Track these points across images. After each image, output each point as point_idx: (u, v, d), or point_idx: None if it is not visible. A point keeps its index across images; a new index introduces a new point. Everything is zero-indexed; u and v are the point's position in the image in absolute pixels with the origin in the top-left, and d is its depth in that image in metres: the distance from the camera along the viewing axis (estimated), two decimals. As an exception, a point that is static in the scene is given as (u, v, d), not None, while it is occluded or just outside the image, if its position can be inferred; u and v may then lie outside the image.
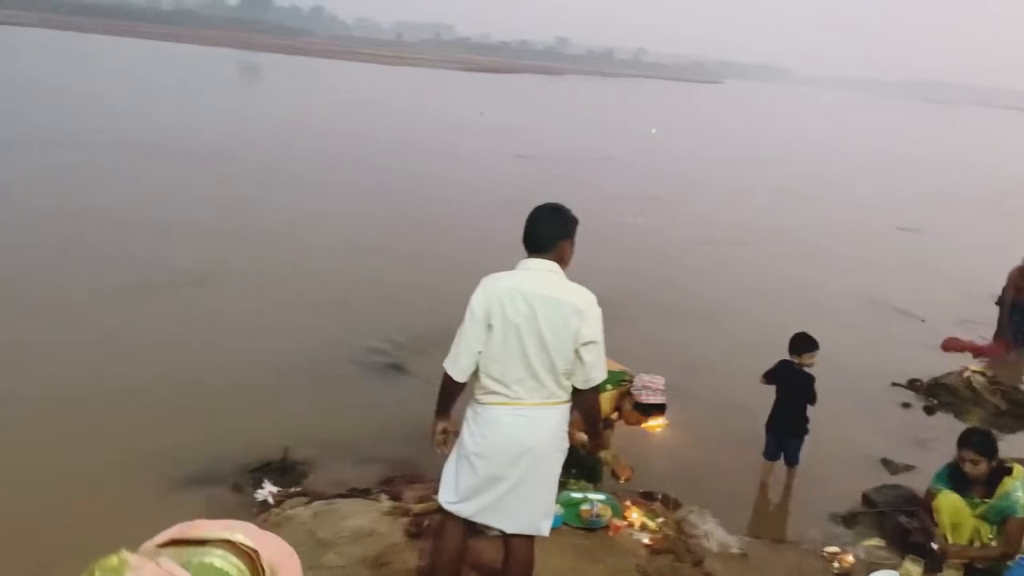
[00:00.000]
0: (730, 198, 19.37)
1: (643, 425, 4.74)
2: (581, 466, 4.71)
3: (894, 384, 7.70)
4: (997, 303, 9.16)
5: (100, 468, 4.97)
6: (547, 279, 3.13)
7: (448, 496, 3.29)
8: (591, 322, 3.11)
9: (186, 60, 56.55)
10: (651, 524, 4.48)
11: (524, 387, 3.11)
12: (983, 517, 4.23)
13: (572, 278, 3.27)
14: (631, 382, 4.54)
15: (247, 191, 14.27)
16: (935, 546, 4.24)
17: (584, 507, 4.37)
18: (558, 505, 4.30)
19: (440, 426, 3.34)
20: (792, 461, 5.54)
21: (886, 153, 38.81)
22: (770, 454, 5.59)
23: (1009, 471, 4.21)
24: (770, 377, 5.50)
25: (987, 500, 4.20)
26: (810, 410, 5.45)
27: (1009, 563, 3.99)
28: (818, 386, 5.41)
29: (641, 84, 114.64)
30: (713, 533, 4.65)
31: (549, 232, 3.20)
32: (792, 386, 5.40)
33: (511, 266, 3.26)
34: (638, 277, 11.04)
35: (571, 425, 3.54)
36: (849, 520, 5.13)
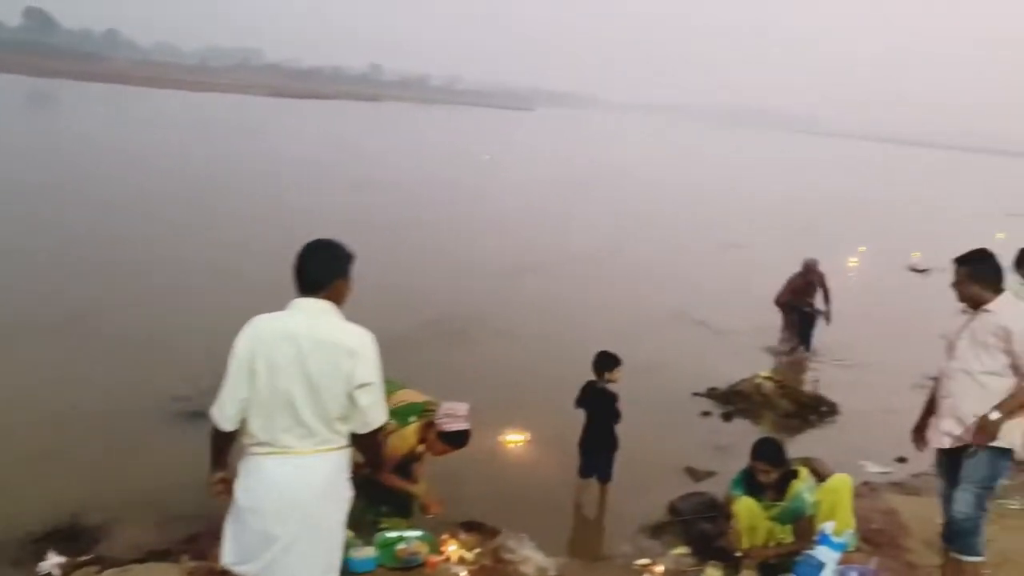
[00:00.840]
0: (559, 221, 20.11)
1: (503, 441, 4.68)
2: (393, 503, 4.64)
3: (695, 394, 8.16)
4: (782, 307, 9.99)
5: None
6: (318, 320, 2.97)
7: (229, 557, 3.05)
8: (366, 363, 2.96)
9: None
10: (468, 556, 4.47)
11: (293, 435, 2.92)
12: (776, 518, 4.55)
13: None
14: (434, 412, 4.53)
15: (48, 229, 13.25)
16: (733, 547, 4.50)
17: (400, 546, 4.31)
18: (372, 547, 4.21)
19: (216, 476, 3.10)
20: (604, 477, 5.72)
21: (697, 175, 41.52)
22: (584, 472, 5.75)
23: (796, 474, 4.55)
24: (581, 402, 5.67)
25: (778, 503, 4.52)
26: (618, 425, 5.65)
27: (797, 558, 4.29)
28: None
29: (458, 110, 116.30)
30: (531, 558, 4.69)
31: (322, 271, 3.03)
32: (599, 405, 5.60)
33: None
34: (471, 300, 11.19)
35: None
36: (658, 531, 5.33)
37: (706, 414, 7.79)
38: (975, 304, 4.08)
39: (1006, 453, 3.99)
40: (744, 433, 7.24)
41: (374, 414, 3.02)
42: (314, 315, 2.97)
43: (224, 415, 2.95)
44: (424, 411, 4.57)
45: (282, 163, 26.55)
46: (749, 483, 4.56)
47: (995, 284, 4.07)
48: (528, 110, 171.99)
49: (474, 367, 8.49)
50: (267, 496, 2.94)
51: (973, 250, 4.18)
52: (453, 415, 4.50)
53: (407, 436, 4.51)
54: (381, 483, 4.51)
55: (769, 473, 4.44)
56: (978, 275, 4.07)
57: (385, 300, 10.49)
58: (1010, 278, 5.11)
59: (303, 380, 2.89)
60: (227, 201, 18.15)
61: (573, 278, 13.60)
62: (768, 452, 4.47)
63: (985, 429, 3.91)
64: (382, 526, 4.54)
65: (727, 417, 7.75)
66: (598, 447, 5.68)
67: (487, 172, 31.14)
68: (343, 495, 3.09)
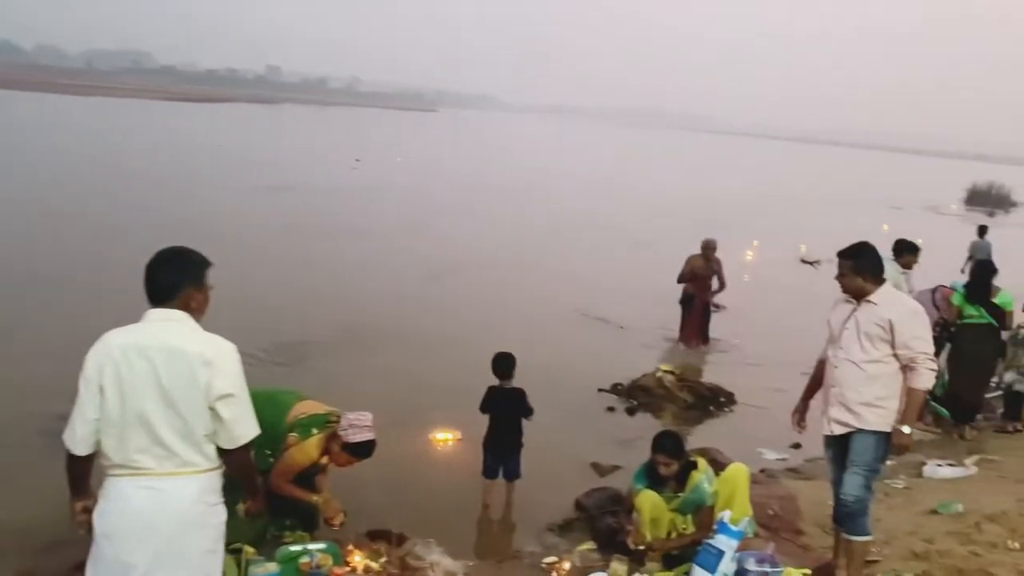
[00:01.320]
0: (467, 223, 20.13)
1: (409, 446, 4.55)
2: (297, 515, 4.53)
3: (600, 390, 8.28)
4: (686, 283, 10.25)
5: None
6: (170, 329, 2.82)
7: None
8: (225, 374, 2.80)
9: None
10: (375, 565, 4.39)
11: (150, 456, 2.75)
12: (677, 509, 4.65)
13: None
14: (337, 423, 4.44)
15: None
16: (632, 544, 4.57)
17: (303, 559, 4.19)
18: (274, 563, 4.10)
19: (79, 505, 2.90)
20: (513, 475, 5.74)
21: (602, 175, 42.10)
22: (490, 472, 5.74)
23: (695, 465, 4.66)
24: (485, 406, 5.67)
25: (679, 494, 4.63)
26: (526, 424, 5.67)
27: (698, 547, 4.39)
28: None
29: (360, 113, 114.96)
30: (439, 563, 4.66)
31: (170, 280, 2.89)
32: (504, 406, 5.61)
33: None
34: (380, 304, 11.08)
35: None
36: (565, 528, 5.37)
37: (610, 409, 7.92)
38: (859, 295, 4.24)
39: (889, 437, 4.18)
40: (647, 427, 7.38)
41: (240, 428, 2.85)
42: (166, 326, 2.83)
43: (75, 438, 2.79)
44: (327, 422, 4.47)
45: (185, 168, 25.75)
46: (651, 476, 4.65)
47: (877, 275, 4.26)
48: (432, 111, 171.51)
49: (381, 373, 8.41)
50: (120, 521, 2.76)
51: (855, 244, 4.36)
52: (357, 425, 4.42)
53: (309, 448, 4.41)
54: (282, 496, 4.40)
55: (669, 466, 4.54)
56: (861, 268, 4.24)
57: (295, 306, 10.32)
58: (888, 267, 5.35)
59: (158, 395, 2.74)
60: (131, 208, 17.50)
61: (481, 280, 13.62)
62: (668, 445, 4.57)
63: (902, 443, 4.12)
64: (286, 540, 4.43)
65: (631, 412, 7.89)
66: (505, 447, 5.69)
67: (395, 175, 30.83)
68: (212, 520, 2.90)
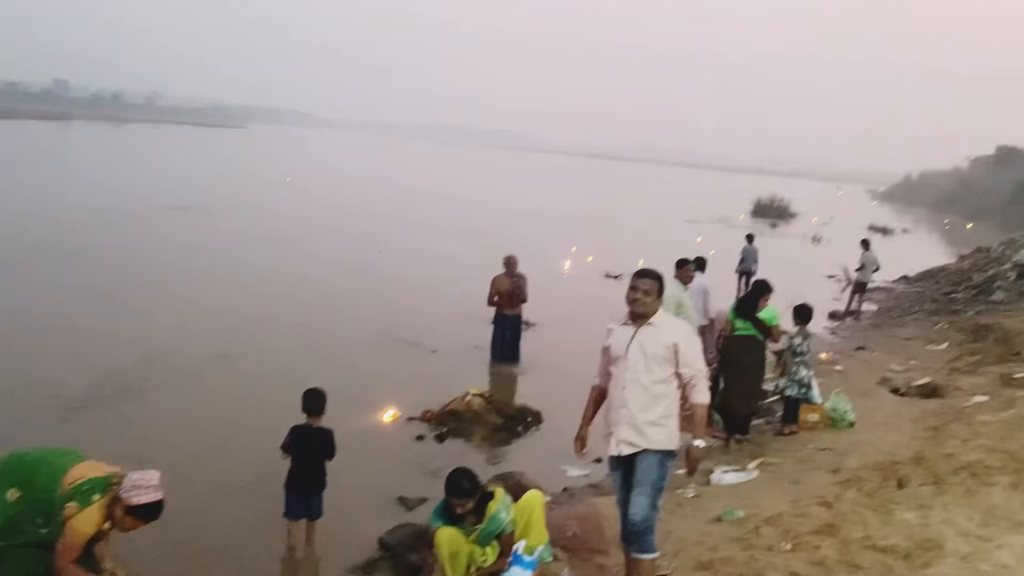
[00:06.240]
0: (283, 244, 19.35)
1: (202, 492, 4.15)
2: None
3: (410, 418, 8.18)
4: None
5: None
6: None
7: None
8: None
9: None
10: (156, 633, 4.08)
11: None
12: (477, 542, 4.63)
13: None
14: (120, 484, 4.07)
15: None
16: None
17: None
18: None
19: None
20: (316, 515, 5.55)
21: (411, 192, 41.89)
22: (293, 513, 5.53)
23: (492, 496, 4.66)
24: (288, 447, 5.45)
25: (478, 526, 4.61)
26: (332, 461, 5.51)
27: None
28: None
29: (162, 129, 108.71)
30: (231, 620, 4.42)
31: None
32: (308, 447, 5.41)
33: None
34: (182, 336, 10.58)
35: None
36: (368, 568, 5.24)
37: (420, 438, 7.83)
38: (644, 317, 4.37)
39: (672, 454, 4.37)
40: (456, 453, 7.37)
41: None
42: None
43: None
44: (109, 485, 4.08)
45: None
46: (448, 514, 4.59)
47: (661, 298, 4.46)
48: (239, 128, 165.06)
49: (184, 409, 8.02)
50: None
51: (649, 268, 4.50)
52: (142, 486, 4.05)
53: (92, 517, 3.98)
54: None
55: (465, 504, 4.51)
56: (661, 289, 4.42)
57: (86, 342, 9.59)
58: (669, 285, 5.56)
59: None
60: None
61: (290, 305, 13.15)
62: (458, 487, 4.51)
63: (696, 457, 4.29)
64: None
65: (440, 439, 7.83)
66: (308, 487, 5.49)
67: (193, 193, 29.31)
68: None
